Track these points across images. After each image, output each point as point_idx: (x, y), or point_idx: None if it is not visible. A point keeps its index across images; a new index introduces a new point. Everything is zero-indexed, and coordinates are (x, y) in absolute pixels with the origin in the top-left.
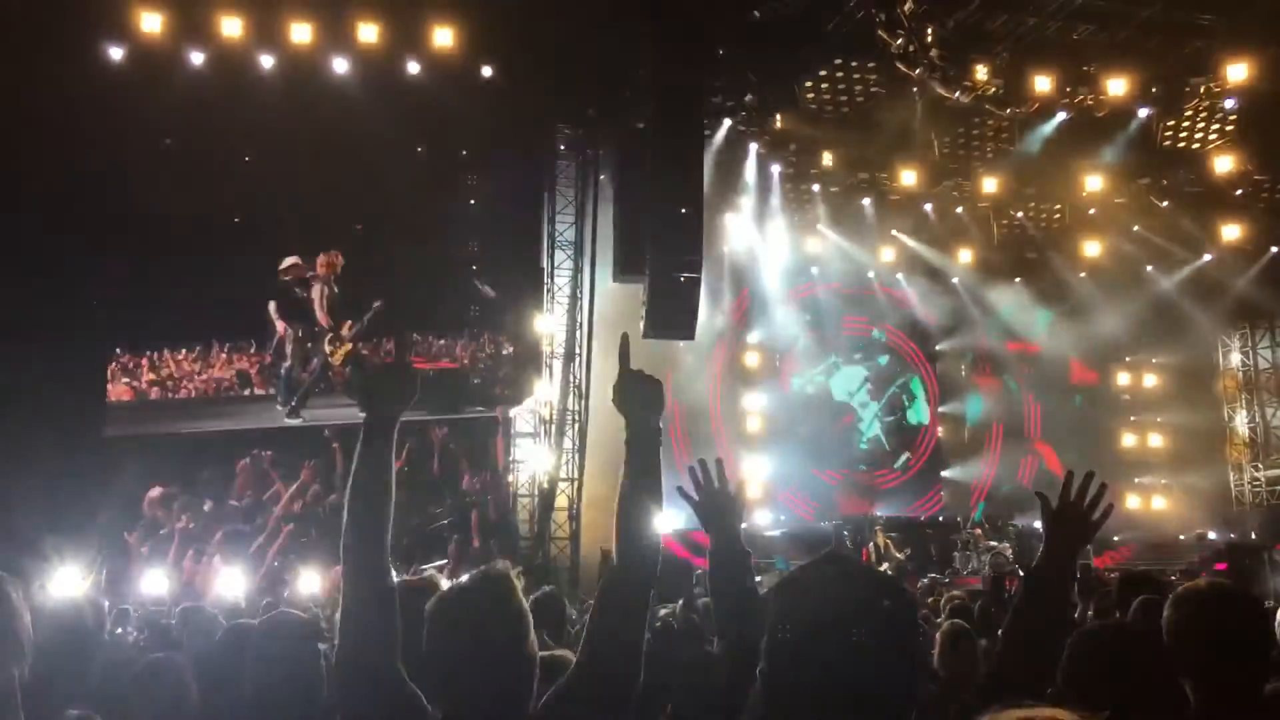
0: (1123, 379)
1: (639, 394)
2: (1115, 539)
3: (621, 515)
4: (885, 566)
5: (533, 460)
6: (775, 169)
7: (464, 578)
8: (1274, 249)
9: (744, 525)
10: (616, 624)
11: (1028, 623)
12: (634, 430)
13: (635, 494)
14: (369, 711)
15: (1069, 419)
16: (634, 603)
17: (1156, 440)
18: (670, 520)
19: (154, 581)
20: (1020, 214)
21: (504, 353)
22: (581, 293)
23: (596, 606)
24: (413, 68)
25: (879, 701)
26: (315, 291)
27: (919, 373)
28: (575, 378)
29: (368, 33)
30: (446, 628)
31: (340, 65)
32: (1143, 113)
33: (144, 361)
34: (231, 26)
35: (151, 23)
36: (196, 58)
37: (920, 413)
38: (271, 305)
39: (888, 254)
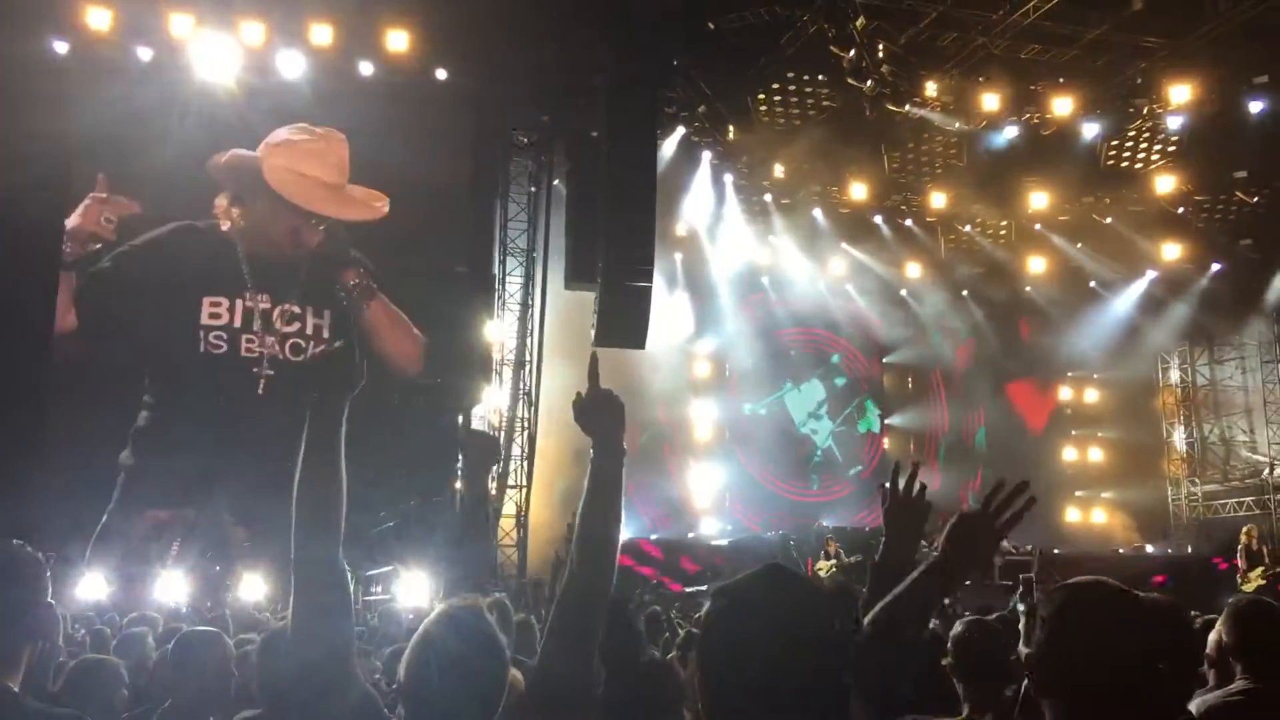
0: (1065, 394)
1: (604, 413)
2: (1055, 552)
3: (583, 531)
4: (829, 572)
5: None
6: (728, 179)
7: (444, 610)
8: (1214, 268)
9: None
10: (574, 637)
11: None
12: (600, 449)
13: (598, 511)
14: (323, 712)
15: (1011, 434)
16: (591, 618)
17: (1097, 455)
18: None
19: (92, 586)
20: (968, 228)
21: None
22: (533, 300)
23: (554, 621)
24: (365, 69)
25: (813, 708)
26: None
27: (869, 391)
28: (525, 385)
29: (321, 33)
30: (432, 666)
31: (292, 65)
32: (1088, 132)
33: None
34: (181, 25)
35: (100, 19)
36: (144, 54)
37: (871, 422)
38: None
39: (838, 266)
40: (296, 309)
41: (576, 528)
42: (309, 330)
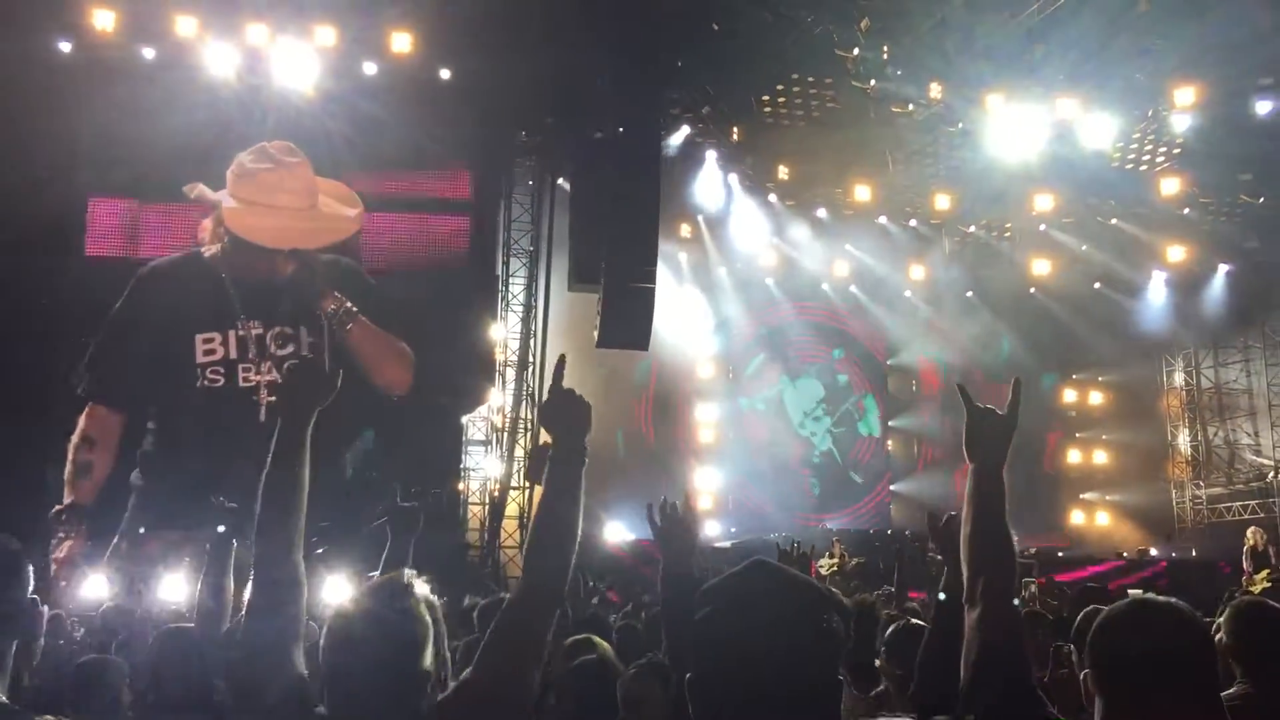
0: (1069, 396)
1: (567, 414)
2: (1059, 555)
3: (534, 534)
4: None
5: (484, 468)
6: (732, 179)
7: (365, 587)
8: (1219, 270)
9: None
10: (512, 642)
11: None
12: (558, 450)
13: (551, 514)
14: (259, 691)
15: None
16: (535, 622)
17: (1101, 457)
18: (619, 531)
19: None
20: (973, 229)
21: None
22: (536, 300)
23: (496, 624)
24: (369, 69)
25: (805, 707)
26: None
27: (872, 390)
28: (528, 386)
29: (325, 35)
30: (342, 640)
31: (296, 66)
32: (1094, 134)
33: None
34: (186, 26)
35: (104, 20)
36: (149, 54)
37: (871, 425)
38: None
39: (842, 267)
40: (289, 330)
41: (529, 531)
42: (304, 350)
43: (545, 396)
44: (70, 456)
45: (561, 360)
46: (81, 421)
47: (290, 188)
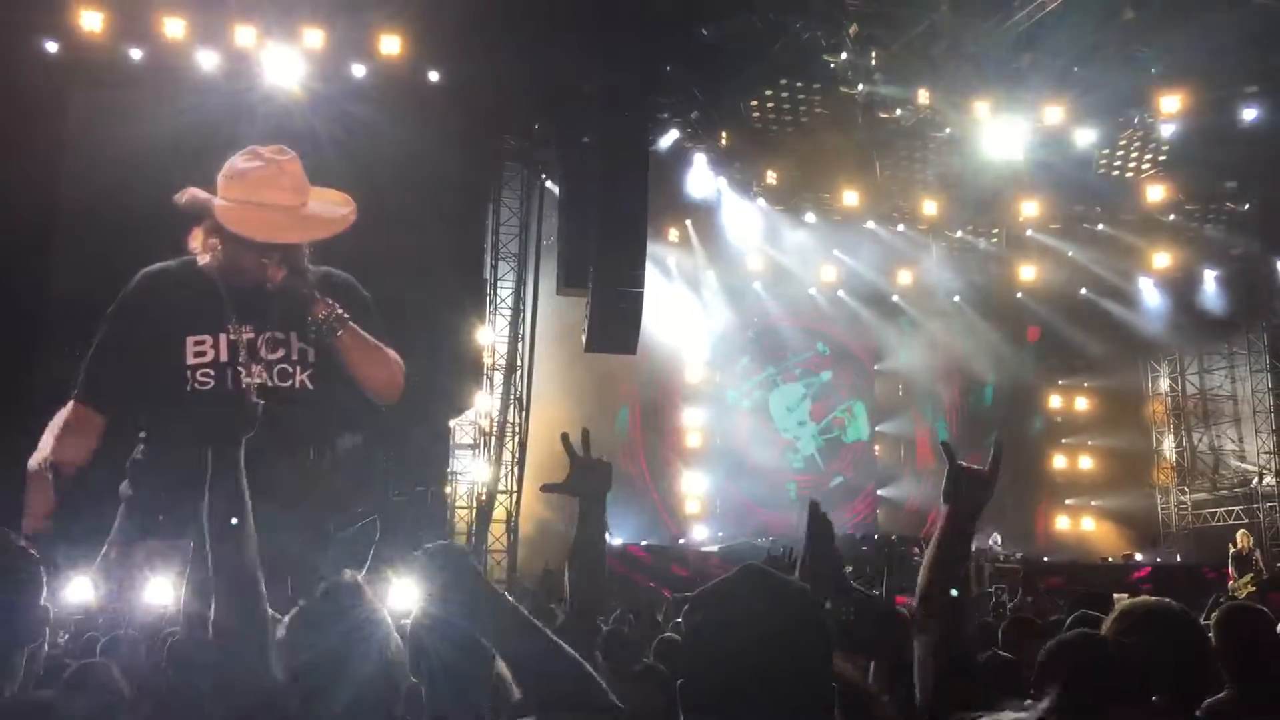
0: (1055, 402)
1: (591, 480)
2: (1044, 560)
3: (574, 573)
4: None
5: (472, 472)
6: (721, 183)
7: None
8: (1204, 277)
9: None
10: (567, 667)
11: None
12: (585, 508)
13: (583, 560)
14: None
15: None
16: (580, 641)
17: (1087, 463)
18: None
19: (78, 589)
20: (960, 234)
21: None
22: (524, 305)
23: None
24: (358, 71)
25: (797, 710)
26: None
27: (860, 395)
28: (516, 390)
29: (313, 37)
30: (304, 645)
31: (284, 68)
32: (1080, 140)
33: None
34: (174, 28)
35: (91, 21)
36: (136, 54)
37: (860, 430)
38: None
39: (829, 272)
40: (280, 335)
41: (568, 600)
42: (294, 355)
43: (571, 469)
44: (50, 432)
45: (585, 435)
46: (65, 412)
47: (281, 185)
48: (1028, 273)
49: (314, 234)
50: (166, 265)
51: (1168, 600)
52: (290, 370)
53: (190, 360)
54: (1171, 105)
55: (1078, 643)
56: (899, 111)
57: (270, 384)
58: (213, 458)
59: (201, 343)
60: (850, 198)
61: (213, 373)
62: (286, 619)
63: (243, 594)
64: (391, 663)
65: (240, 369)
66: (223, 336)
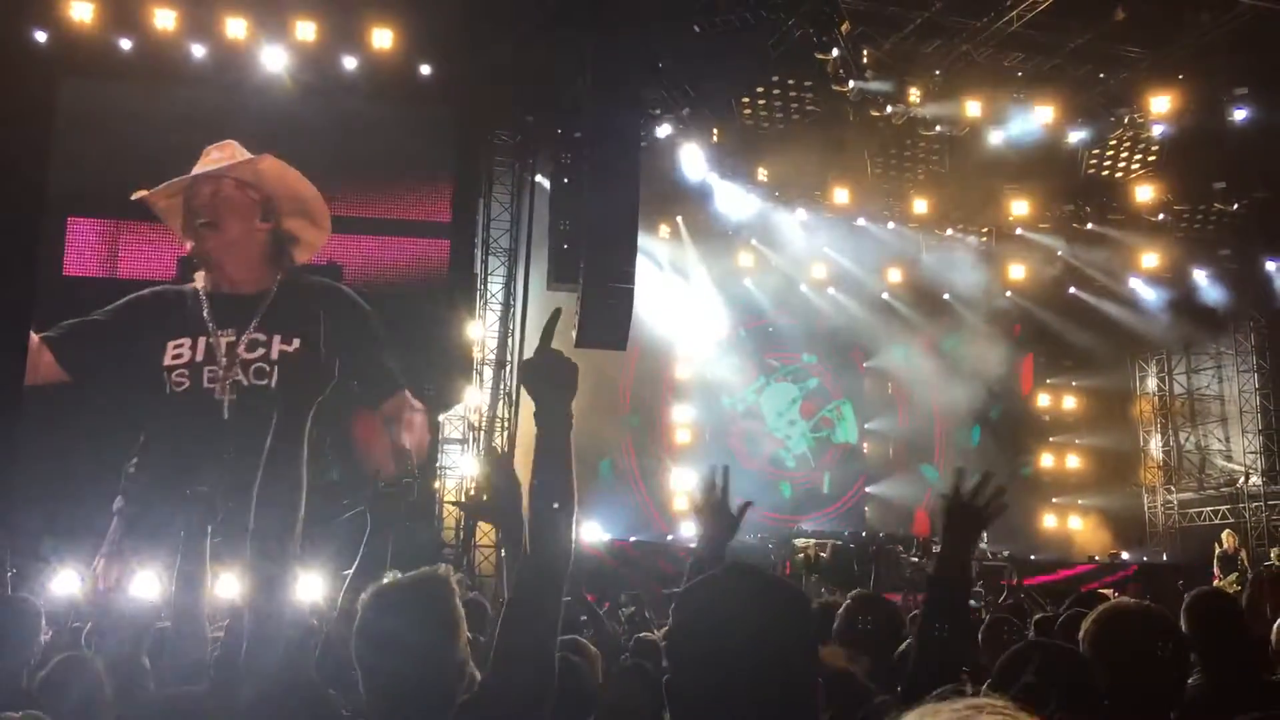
0: (1043, 400)
1: (552, 374)
2: (1031, 558)
3: (533, 512)
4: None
5: (460, 466)
6: (712, 179)
7: (403, 577)
8: (1192, 277)
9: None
10: (528, 631)
11: (936, 625)
12: (543, 414)
13: (545, 488)
14: (279, 704)
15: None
16: (546, 607)
17: (1074, 462)
18: (595, 531)
19: (65, 582)
20: (950, 232)
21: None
22: (515, 299)
23: (505, 614)
24: (349, 64)
25: (782, 707)
26: None
27: (850, 397)
28: (506, 385)
29: (305, 29)
30: (376, 625)
31: (276, 61)
32: (1070, 140)
33: None
34: (165, 19)
35: (82, 11)
36: (125, 45)
37: (849, 431)
38: None
39: (820, 270)
40: (261, 336)
41: (528, 508)
42: (273, 355)
43: (530, 354)
44: None
45: (555, 315)
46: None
47: (221, 154)
48: (1017, 271)
49: (239, 172)
50: (164, 287)
51: (1148, 603)
52: (267, 369)
53: (168, 362)
54: (1161, 105)
55: (1030, 651)
56: (890, 109)
57: (246, 382)
58: (278, 423)
59: (180, 345)
60: (841, 195)
61: (187, 373)
62: (366, 603)
63: (283, 581)
64: (456, 663)
65: (213, 369)
66: (202, 339)
